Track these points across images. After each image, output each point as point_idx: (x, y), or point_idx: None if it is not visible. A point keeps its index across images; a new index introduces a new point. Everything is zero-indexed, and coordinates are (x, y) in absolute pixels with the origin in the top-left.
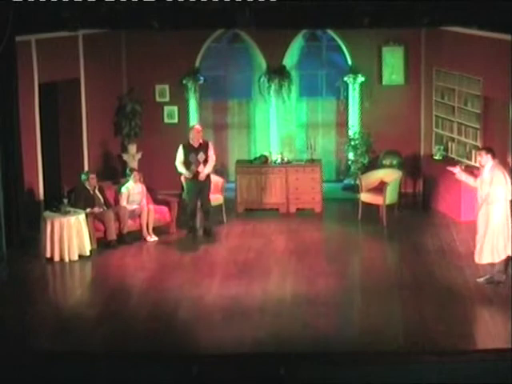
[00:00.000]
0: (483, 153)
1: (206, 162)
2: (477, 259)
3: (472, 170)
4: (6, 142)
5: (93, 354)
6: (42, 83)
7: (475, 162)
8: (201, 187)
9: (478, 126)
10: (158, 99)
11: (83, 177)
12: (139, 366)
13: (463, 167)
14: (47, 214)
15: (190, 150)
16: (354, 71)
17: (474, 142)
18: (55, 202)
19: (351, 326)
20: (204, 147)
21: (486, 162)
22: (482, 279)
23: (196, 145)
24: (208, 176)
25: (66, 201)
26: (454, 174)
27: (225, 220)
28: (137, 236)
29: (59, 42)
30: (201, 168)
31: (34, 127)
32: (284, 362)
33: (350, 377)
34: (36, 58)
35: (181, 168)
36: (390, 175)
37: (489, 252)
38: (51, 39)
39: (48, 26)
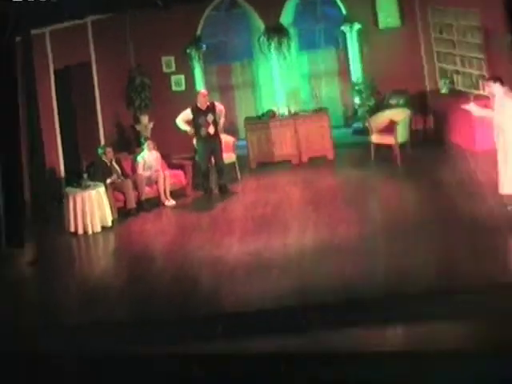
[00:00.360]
0: (491, 82)
1: (214, 122)
2: (501, 190)
3: (484, 102)
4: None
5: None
6: (57, 69)
7: (483, 90)
8: (213, 147)
9: (481, 56)
10: (165, 70)
11: (100, 151)
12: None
13: (472, 98)
14: (69, 189)
15: (198, 112)
16: (350, 20)
17: (479, 72)
18: (75, 177)
19: (377, 269)
20: (211, 109)
21: (495, 90)
22: (510, 207)
23: (204, 107)
24: (218, 134)
25: (85, 175)
26: (465, 107)
27: (239, 177)
28: (155, 202)
29: (70, 31)
30: (211, 129)
31: (51, 109)
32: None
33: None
34: (50, 47)
35: (183, 125)
36: (398, 114)
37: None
38: (63, 29)
39: (57, 17)
